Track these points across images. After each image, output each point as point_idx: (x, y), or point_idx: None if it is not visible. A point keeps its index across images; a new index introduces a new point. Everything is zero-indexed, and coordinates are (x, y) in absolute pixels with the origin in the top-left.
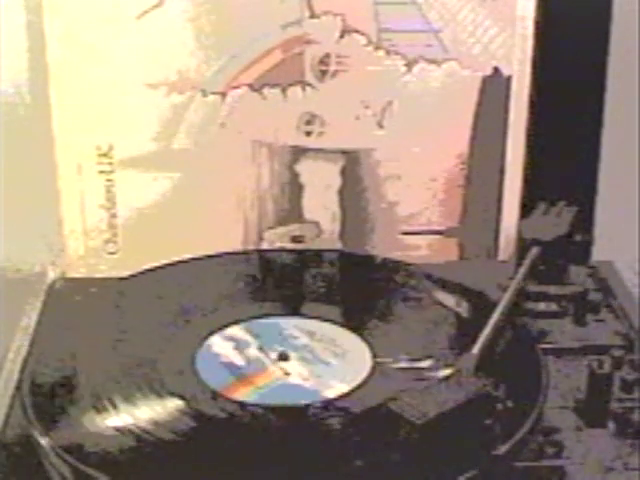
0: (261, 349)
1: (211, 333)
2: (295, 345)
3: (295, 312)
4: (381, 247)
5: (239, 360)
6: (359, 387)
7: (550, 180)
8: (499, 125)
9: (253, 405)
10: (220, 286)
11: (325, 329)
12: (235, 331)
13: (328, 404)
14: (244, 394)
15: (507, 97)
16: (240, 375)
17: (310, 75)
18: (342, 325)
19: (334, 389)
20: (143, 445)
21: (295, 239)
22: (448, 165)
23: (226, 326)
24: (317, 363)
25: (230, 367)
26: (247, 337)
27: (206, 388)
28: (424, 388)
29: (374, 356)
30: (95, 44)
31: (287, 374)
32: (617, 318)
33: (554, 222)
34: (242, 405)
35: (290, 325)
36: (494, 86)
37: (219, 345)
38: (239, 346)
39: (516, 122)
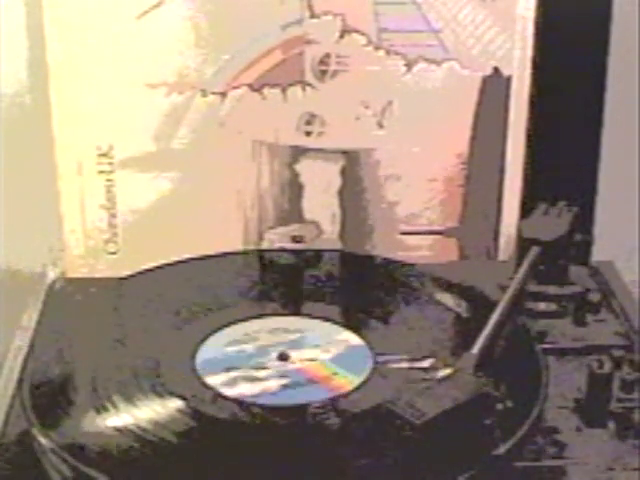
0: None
1: (211, 333)
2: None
3: (295, 312)
4: (381, 247)
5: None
6: (359, 387)
7: (550, 180)
8: (499, 125)
9: (253, 405)
10: (220, 286)
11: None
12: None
13: (328, 404)
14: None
15: (507, 97)
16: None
17: (310, 75)
18: (342, 325)
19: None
20: (143, 445)
21: (295, 239)
22: (448, 165)
23: (226, 326)
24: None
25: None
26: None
27: (206, 388)
28: (424, 388)
29: (374, 356)
30: (95, 44)
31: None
32: (617, 318)
33: (554, 222)
34: (242, 405)
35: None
36: (494, 86)
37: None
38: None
39: (516, 122)
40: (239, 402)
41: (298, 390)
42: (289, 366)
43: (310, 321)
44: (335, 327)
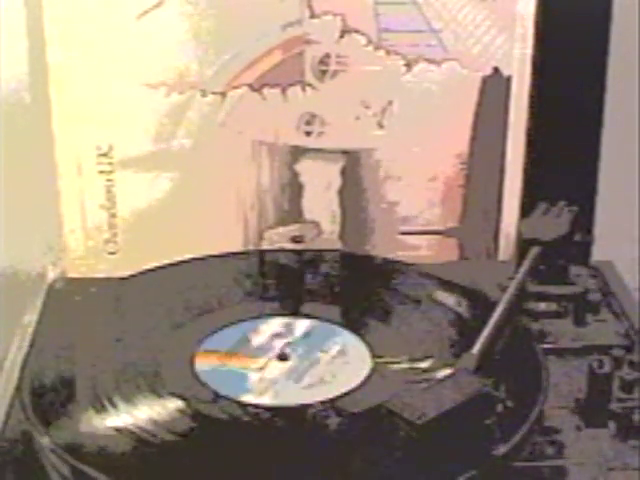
0: (288, 344)
1: (211, 333)
2: (315, 357)
3: (295, 312)
4: (381, 247)
5: (257, 341)
6: (359, 387)
7: (550, 180)
8: (499, 125)
9: (253, 405)
10: (220, 286)
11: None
12: (297, 322)
13: (328, 404)
14: (203, 363)
15: (507, 97)
16: (233, 351)
17: (310, 75)
18: (342, 325)
19: (260, 398)
20: (143, 445)
21: (295, 239)
22: (448, 165)
23: (226, 326)
24: (293, 379)
25: (240, 342)
26: (298, 330)
27: (206, 388)
28: (424, 388)
29: (374, 356)
30: (95, 44)
31: (261, 369)
32: (617, 318)
33: (554, 222)
34: (242, 405)
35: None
36: (494, 86)
37: (269, 324)
38: (280, 333)
39: (516, 122)
40: (239, 402)
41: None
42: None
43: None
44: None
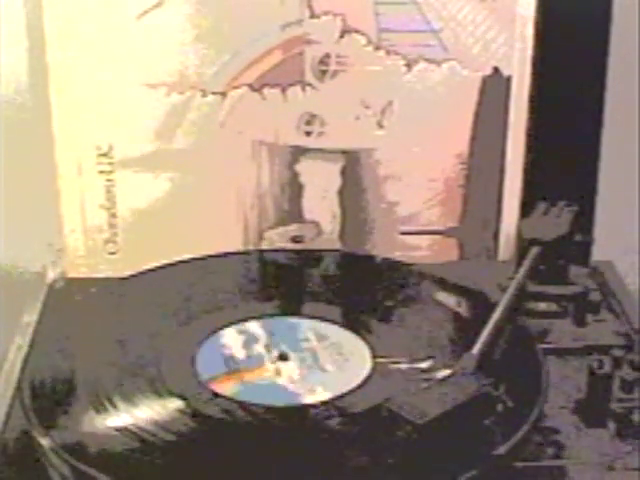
0: (267, 346)
1: (211, 333)
2: (301, 346)
3: (295, 312)
4: (381, 247)
5: (240, 354)
6: (359, 387)
7: (550, 180)
8: (499, 125)
9: (253, 405)
10: (220, 286)
11: (329, 331)
12: (251, 326)
13: (328, 404)
14: (228, 388)
15: (507, 97)
16: (233, 369)
17: (310, 75)
18: (342, 325)
19: (315, 396)
20: (143, 445)
21: (295, 239)
22: (448, 165)
23: (226, 326)
24: (314, 368)
25: (227, 360)
26: (260, 333)
27: (206, 388)
28: (424, 388)
29: (374, 356)
30: (95, 44)
31: (278, 374)
32: (617, 318)
33: (554, 222)
34: (242, 405)
35: (304, 326)
36: (494, 86)
37: (228, 337)
38: (248, 340)
39: (516, 122)
40: (239, 402)
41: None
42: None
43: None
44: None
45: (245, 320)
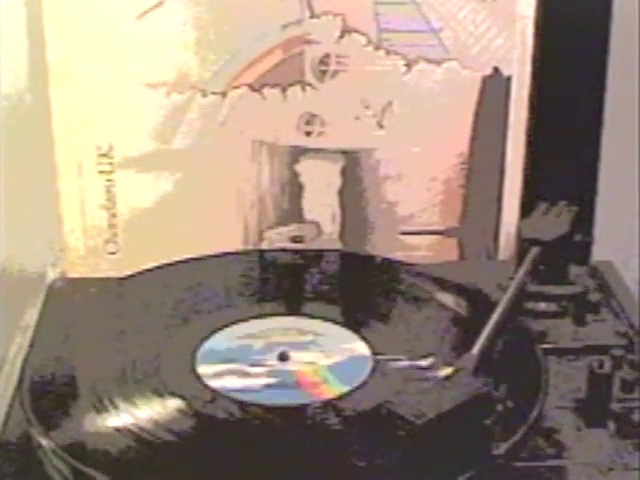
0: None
1: (211, 333)
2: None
3: (295, 312)
4: (381, 247)
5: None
6: (359, 387)
7: (550, 180)
8: (499, 125)
9: (253, 405)
10: (220, 286)
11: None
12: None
13: (328, 404)
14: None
15: (507, 97)
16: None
17: (310, 75)
18: (342, 325)
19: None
20: (143, 445)
21: (295, 239)
22: (448, 165)
23: (226, 326)
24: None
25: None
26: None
27: (206, 388)
28: (424, 388)
29: (374, 356)
30: (95, 44)
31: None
32: (617, 318)
33: (554, 222)
34: (242, 405)
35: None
36: (494, 86)
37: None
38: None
39: (516, 122)
40: (239, 402)
41: (280, 391)
42: (285, 367)
43: (322, 324)
44: (347, 333)
45: (245, 320)
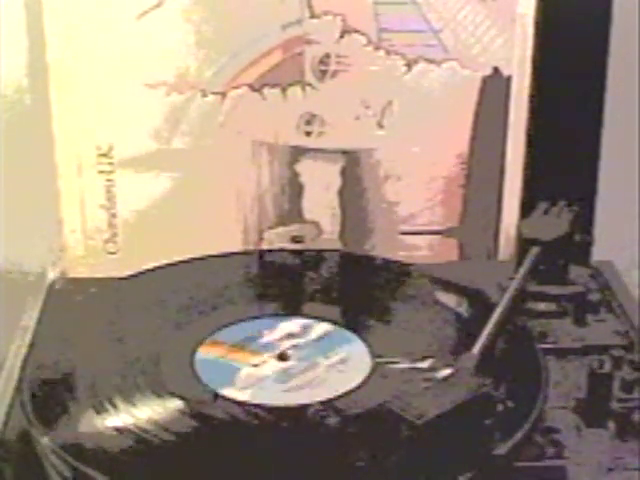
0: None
1: (211, 333)
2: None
3: (295, 312)
4: (381, 247)
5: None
6: (359, 387)
7: (550, 180)
8: (499, 125)
9: (253, 405)
10: (220, 286)
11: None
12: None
13: (328, 404)
14: (208, 352)
15: (507, 97)
16: (237, 344)
17: (310, 75)
18: (342, 325)
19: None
20: (143, 445)
21: (295, 239)
22: (448, 165)
23: (226, 326)
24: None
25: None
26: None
27: (206, 388)
28: (424, 388)
29: (374, 356)
30: (95, 44)
31: (256, 366)
32: (617, 318)
33: (554, 222)
34: (242, 405)
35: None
36: (494, 86)
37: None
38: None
39: (516, 122)
40: (239, 402)
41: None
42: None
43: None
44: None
45: (245, 320)
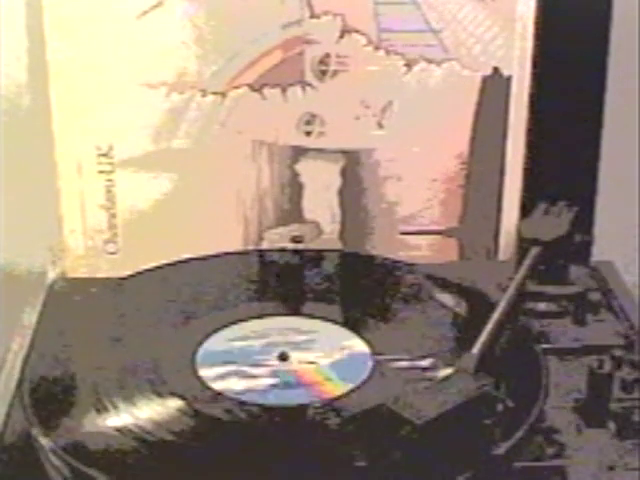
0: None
1: (211, 333)
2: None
3: (295, 312)
4: (381, 247)
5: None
6: (359, 387)
7: (550, 180)
8: (499, 125)
9: (253, 405)
10: (220, 286)
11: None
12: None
13: (328, 404)
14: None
15: (507, 97)
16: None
17: (310, 75)
18: (342, 325)
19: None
20: (143, 445)
21: (295, 239)
22: (448, 165)
23: (226, 326)
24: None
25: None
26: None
27: (206, 388)
28: (424, 388)
29: (374, 356)
30: (95, 44)
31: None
32: (617, 318)
33: (554, 222)
34: (242, 405)
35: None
36: (494, 86)
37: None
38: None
39: (516, 122)
40: (239, 402)
41: (285, 391)
42: (285, 367)
43: (322, 324)
44: (346, 332)
45: (245, 320)
